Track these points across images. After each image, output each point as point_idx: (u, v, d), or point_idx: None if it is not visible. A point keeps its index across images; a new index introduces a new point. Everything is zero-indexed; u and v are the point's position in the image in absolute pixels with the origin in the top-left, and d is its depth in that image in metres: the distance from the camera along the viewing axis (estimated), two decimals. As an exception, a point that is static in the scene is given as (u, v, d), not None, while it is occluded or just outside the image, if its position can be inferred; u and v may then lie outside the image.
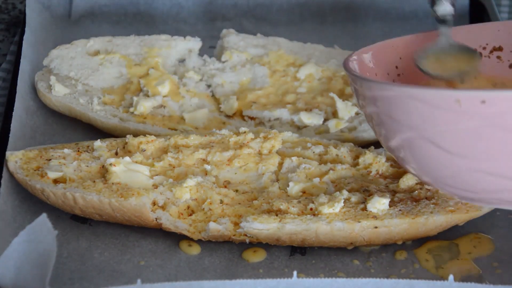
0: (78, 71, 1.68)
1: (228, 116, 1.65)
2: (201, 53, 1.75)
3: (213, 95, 1.68)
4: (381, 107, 1.26)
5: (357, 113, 1.62)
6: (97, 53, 1.73)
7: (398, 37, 1.49)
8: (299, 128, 1.62)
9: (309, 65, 1.70)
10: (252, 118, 1.64)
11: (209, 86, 1.69)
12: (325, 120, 1.62)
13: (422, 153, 1.26)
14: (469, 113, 1.18)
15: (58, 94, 1.64)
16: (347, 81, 1.69)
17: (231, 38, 1.75)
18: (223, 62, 1.72)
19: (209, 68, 1.70)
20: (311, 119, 1.60)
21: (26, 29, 1.75)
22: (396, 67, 1.46)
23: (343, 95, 1.66)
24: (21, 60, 1.67)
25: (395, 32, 1.90)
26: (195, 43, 1.74)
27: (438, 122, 1.21)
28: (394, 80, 1.46)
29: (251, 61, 1.72)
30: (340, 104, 1.61)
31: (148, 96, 1.64)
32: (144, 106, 1.61)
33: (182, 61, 1.73)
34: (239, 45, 1.73)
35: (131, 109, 1.62)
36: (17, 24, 1.92)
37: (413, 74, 1.46)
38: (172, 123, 1.61)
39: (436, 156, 1.24)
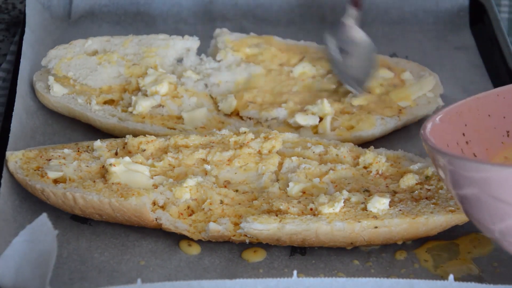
0: (77, 71, 1.68)
1: (226, 115, 1.64)
2: (200, 53, 1.75)
3: (211, 94, 1.68)
4: (483, 189, 1.17)
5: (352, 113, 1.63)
6: (95, 53, 1.73)
7: (460, 102, 1.40)
8: (296, 128, 1.61)
9: (303, 64, 1.70)
10: (250, 118, 1.64)
11: (207, 85, 1.69)
12: (321, 118, 1.61)
13: None
14: None
15: (56, 94, 1.63)
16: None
17: (225, 37, 1.75)
18: (219, 61, 1.71)
19: (205, 67, 1.70)
20: (307, 120, 1.60)
21: (26, 29, 1.75)
22: (463, 134, 1.38)
23: (337, 93, 1.66)
24: (21, 60, 1.67)
25: (394, 32, 1.90)
26: (193, 42, 1.73)
27: None
28: (463, 149, 1.37)
29: (246, 60, 1.71)
30: (328, 109, 1.60)
31: (146, 95, 1.64)
32: (143, 106, 1.61)
33: (180, 60, 1.73)
34: (232, 44, 1.73)
35: (130, 109, 1.62)
36: (17, 24, 1.92)
37: (482, 140, 1.40)
38: (171, 122, 1.61)
39: None
